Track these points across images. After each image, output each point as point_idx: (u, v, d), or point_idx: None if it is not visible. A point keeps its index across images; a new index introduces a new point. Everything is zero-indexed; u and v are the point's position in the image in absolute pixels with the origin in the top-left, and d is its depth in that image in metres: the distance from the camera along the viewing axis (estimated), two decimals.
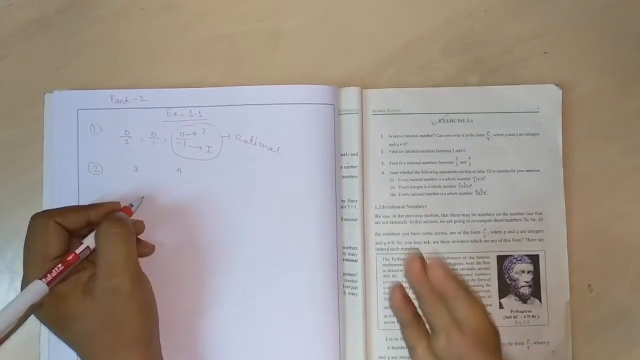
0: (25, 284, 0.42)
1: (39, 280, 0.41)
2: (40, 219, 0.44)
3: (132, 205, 0.47)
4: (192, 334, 0.50)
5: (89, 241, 0.44)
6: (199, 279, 0.51)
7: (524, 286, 0.53)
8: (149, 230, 0.47)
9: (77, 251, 0.43)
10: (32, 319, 0.50)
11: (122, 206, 0.47)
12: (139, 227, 0.47)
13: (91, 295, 0.42)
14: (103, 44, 0.54)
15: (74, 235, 0.45)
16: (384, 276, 0.52)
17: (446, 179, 0.53)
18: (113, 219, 0.44)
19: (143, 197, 0.49)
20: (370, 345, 0.51)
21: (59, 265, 0.42)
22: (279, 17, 0.55)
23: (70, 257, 0.42)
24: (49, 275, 0.41)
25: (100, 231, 0.43)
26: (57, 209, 0.45)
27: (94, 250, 0.43)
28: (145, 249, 0.47)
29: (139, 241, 0.46)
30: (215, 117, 0.52)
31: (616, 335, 0.53)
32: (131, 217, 0.46)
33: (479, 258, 0.53)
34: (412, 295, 0.42)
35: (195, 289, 0.51)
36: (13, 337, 0.51)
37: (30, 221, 0.44)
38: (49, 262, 0.42)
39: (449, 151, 0.53)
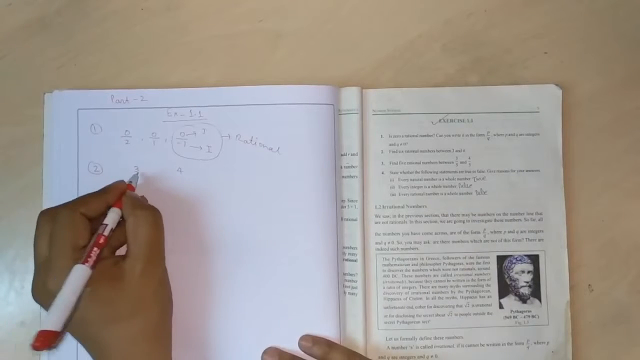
0: (55, 277, 0.42)
1: (83, 265, 0.42)
2: (66, 212, 0.45)
3: (131, 182, 0.49)
4: (194, 333, 0.50)
5: (110, 222, 0.45)
6: (199, 278, 0.51)
7: (524, 286, 0.53)
8: None
9: (105, 233, 0.44)
10: (38, 319, 0.51)
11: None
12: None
13: (122, 278, 0.43)
14: (103, 43, 0.54)
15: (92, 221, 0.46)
16: (384, 276, 0.52)
17: (446, 179, 0.53)
18: (147, 207, 0.46)
19: (137, 173, 0.51)
20: (370, 345, 0.51)
21: (95, 248, 0.43)
22: (279, 17, 0.55)
23: (102, 241, 0.44)
24: (89, 259, 0.43)
25: (140, 218, 0.45)
26: (78, 200, 0.46)
27: (115, 230, 0.45)
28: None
29: None
30: (216, 117, 0.52)
31: (616, 335, 0.53)
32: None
33: (479, 258, 0.53)
34: None
35: (196, 288, 0.51)
36: (12, 338, 0.51)
37: (41, 216, 0.45)
38: (78, 251, 0.43)
39: (449, 151, 0.53)
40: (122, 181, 0.48)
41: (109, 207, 0.46)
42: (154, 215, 0.45)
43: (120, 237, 0.46)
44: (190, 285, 0.51)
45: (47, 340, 0.39)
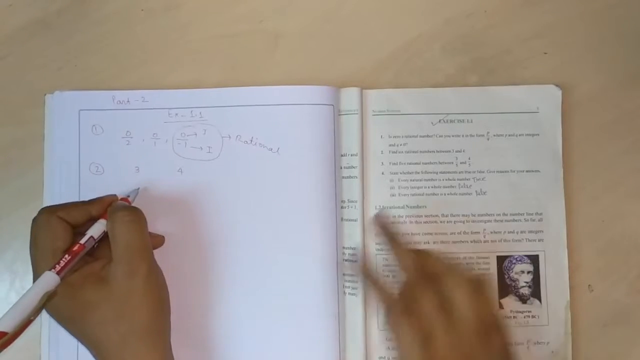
0: (34, 277, 0.43)
1: (49, 271, 0.42)
2: (43, 215, 0.45)
3: (129, 196, 0.49)
4: (193, 332, 0.51)
5: (93, 231, 0.45)
6: (198, 278, 0.51)
7: (523, 286, 0.53)
8: (151, 229, 0.48)
9: (82, 241, 0.44)
10: (39, 319, 0.51)
11: (119, 198, 0.48)
12: (160, 240, 0.50)
13: (107, 281, 0.43)
14: (103, 44, 0.54)
15: (77, 232, 0.46)
16: (384, 276, 0.52)
17: (446, 179, 0.53)
18: (126, 208, 0.45)
19: (139, 189, 0.50)
20: (370, 345, 0.52)
21: (66, 255, 0.43)
22: (279, 17, 0.55)
23: (76, 247, 0.44)
24: (57, 265, 0.42)
25: (117, 220, 0.44)
26: (59, 205, 0.46)
27: (98, 240, 0.45)
28: (156, 240, 0.49)
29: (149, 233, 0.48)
30: (216, 118, 0.52)
31: (616, 335, 0.53)
32: None
33: (479, 258, 0.53)
34: None
35: (195, 288, 0.51)
36: None
37: (32, 220, 0.45)
38: (59, 255, 0.43)
39: (449, 151, 0.53)
40: (114, 195, 0.48)
41: (92, 218, 0.46)
42: (131, 215, 0.45)
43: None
44: (189, 285, 0.51)
45: None
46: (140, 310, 0.43)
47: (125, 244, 0.43)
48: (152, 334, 0.43)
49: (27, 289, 0.41)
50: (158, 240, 0.50)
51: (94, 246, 0.45)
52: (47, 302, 0.41)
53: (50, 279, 0.42)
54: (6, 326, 0.40)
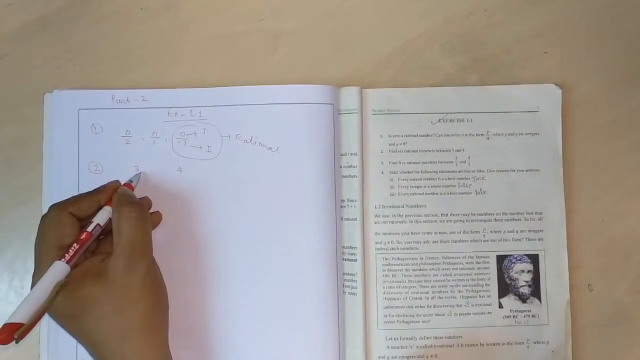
0: (39, 275, 0.43)
1: (59, 261, 0.43)
2: (54, 212, 0.45)
3: (132, 182, 0.49)
4: (193, 332, 0.51)
5: (99, 219, 0.46)
6: (198, 279, 0.51)
7: (523, 286, 0.53)
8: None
9: (90, 229, 0.45)
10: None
11: (122, 184, 0.49)
12: (147, 202, 0.50)
13: (106, 275, 0.43)
14: (103, 43, 0.54)
15: (84, 222, 0.46)
16: (384, 276, 0.52)
17: (446, 179, 0.53)
18: (133, 204, 0.46)
19: (141, 173, 0.51)
20: (370, 345, 0.51)
21: (75, 245, 0.44)
22: (279, 17, 0.55)
23: (84, 236, 0.44)
24: (67, 255, 0.43)
25: (123, 214, 0.45)
26: (69, 200, 0.47)
27: (104, 227, 0.46)
28: (155, 218, 0.50)
29: None
30: (216, 118, 0.52)
31: (616, 335, 0.53)
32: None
33: (478, 258, 0.53)
34: None
35: (195, 288, 0.51)
36: None
37: (42, 217, 0.45)
38: (64, 249, 0.44)
39: (449, 151, 0.53)
40: (117, 181, 0.49)
41: (101, 208, 0.46)
42: (138, 211, 0.45)
43: None
44: (189, 285, 0.51)
45: (11, 332, 0.40)
46: (138, 305, 0.43)
47: (129, 239, 0.44)
48: (151, 330, 0.44)
49: (26, 288, 0.41)
50: (157, 218, 0.50)
51: (99, 237, 0.46)
52: (60, 292, 0.42)
53: (61, 268, 0.43)
54: (22, 317, 0.40)
